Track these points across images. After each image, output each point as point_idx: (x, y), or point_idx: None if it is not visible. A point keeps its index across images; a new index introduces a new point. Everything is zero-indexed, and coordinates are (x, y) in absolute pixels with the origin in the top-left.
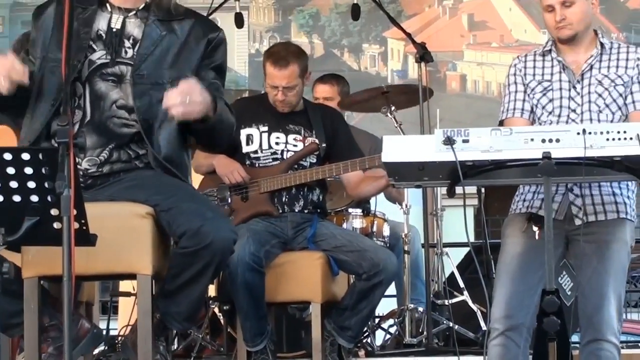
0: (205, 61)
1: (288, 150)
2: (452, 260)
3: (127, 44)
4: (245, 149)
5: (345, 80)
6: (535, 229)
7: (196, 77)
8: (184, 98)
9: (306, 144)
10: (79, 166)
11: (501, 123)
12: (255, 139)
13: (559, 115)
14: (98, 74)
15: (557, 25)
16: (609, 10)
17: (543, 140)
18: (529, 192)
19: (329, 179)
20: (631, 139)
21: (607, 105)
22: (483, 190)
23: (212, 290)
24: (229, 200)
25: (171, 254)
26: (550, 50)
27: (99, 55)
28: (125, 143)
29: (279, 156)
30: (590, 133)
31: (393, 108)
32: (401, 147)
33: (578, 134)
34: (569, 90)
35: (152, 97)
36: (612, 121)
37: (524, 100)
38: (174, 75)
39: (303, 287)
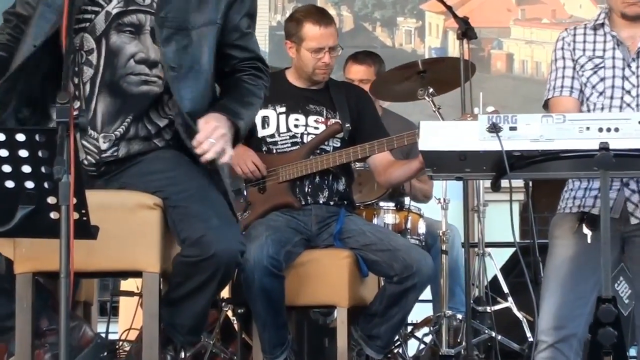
0: (236, 6)
1: (309, 134)
2: (495, 262)
3: None
4: (261, 132)
5: (381, 59)
6: (587, 230)
7: (229, 25)
8: (209, 144)
9: (328, 125)
10: (93, 146)
11: (546, 103)
12: (272, 121)
13: (612, 97)
14: (114, 25)
15: (626, 0)
16: None
17: (600, 129)
18: (579, 189)
19: (357, 168)
20: None
21: None
22: (531, 184)
23: (225, 292)
24: (245, 193)
25: (175, 260)
26: (602, 24)
27: (114, 4)
28: (144, 110)
29: (298, 140)
30: None
31: (431, 90)
32: (440, 134)
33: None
34: (623, 69)
35: (178, 44)
36: None
37: (573, 78)
38: (200, 22)
39: (328, 289)
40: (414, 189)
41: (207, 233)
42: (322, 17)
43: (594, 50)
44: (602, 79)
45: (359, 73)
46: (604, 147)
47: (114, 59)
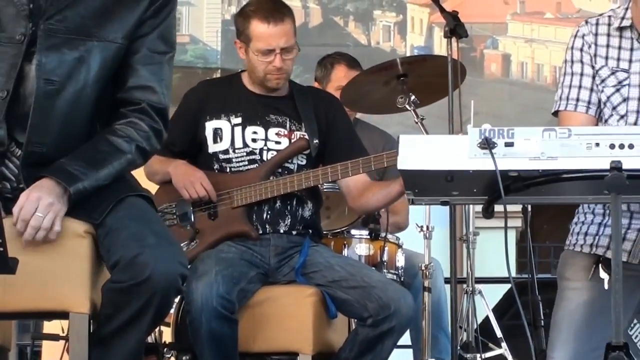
0: (149, 21)
1: (269, 150)
2: (486, 301)
3: None
4: (213, 147)
5: (358, 64)
6: (604, 274)
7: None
8: (37, 220)
9: (293, 141)
10: (6, 168)
11: (556, 115)
12: (226, 134)
13: (635, 124)
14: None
15: None
16: None
17: (612, 146)
18: (592, 224)
19: (325, 190)
20: None
21: None
22: (530, 208)
23: (167, 336)
24: (192, 219)
25: (103, 289)
26: (630, 27)
27: None
28: None
29: (257, 157)
30: None
31: (413, 97)
32: (423, 150)
33: None
34: None
35: (65, 55)
36: None
37: (591, 90)
38: (101, 35)
39: (289, 333)
40: (383, 221)
41: (143, 252)
42: (272, 12)
43: (618, 59)
44: (625, 100)
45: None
46: (616, 167)
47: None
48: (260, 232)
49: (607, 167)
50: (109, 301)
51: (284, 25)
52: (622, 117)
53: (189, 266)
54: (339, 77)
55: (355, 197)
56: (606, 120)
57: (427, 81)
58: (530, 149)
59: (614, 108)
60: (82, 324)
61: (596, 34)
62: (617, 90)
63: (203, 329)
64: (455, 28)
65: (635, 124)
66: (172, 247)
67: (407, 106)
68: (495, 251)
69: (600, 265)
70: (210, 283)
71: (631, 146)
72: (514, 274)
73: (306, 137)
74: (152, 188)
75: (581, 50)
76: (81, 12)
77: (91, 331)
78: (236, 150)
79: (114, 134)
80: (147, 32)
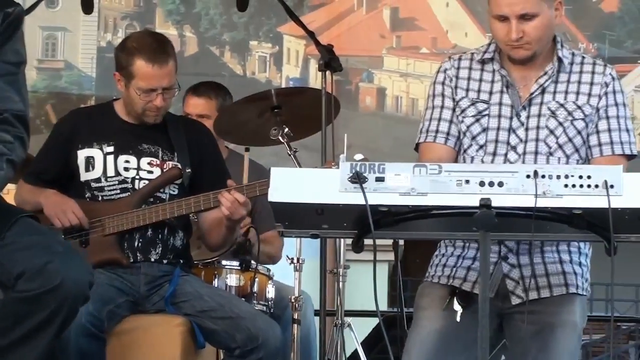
0: (1, 37)
1: (141, 179)
2: (355, 334)
3: None
4: (85, 176)
5: (227, 92)
6: (457, 307)
7: None
8: None
9: (165, 170)
10: None
11: (417, 147)
12: (98, 163)
13: (494, 154)
14: None
15: (510, 43)
16: (577, 12)
17: (482, 183)
18: (452, 256)
19: (195, 219)
20: (597, 186)
21: (560, 146)
22: (402, 242)
23: None
24: None
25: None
26: (492, 59)
27: None
28: None
29: (129, 185)
30: (544, 176)
31: (286, 130)
32: (294, 183)
33: (528, 176)
34: (511, 118)
35: None
36: None
37: (450, 122)
38: None
39: None
40: (255, 251)
41: (52, 260)
42: (158, 53)
43: (479, 91)
44: (485, 130)
45: (197, 107)
46: (485, 204)
47: None
48: (132, 260)
49: (477, 204)
50: (10, 313)
51: (167, 67)
52: (481, 147)
53: None
54: (186, 104)
55: (204, 234)
56: (465, 150)
57: (301, 113)
58: (400, 184)
59: (474, 138)
60: None
61: (458, 68)
62: (477, 120)
63: (71, 346)
64: (329, 62)
65: (494, 154)
66: (79, 255)
67: (280, 138)
68: (366, 284)
69: (455, 297)
70: None
71: (501, 184)
72: (385, 307)
73: (178, 166)
74: None
75: (443, 83)
76: None
77: None
78: (108, 179)
79: None
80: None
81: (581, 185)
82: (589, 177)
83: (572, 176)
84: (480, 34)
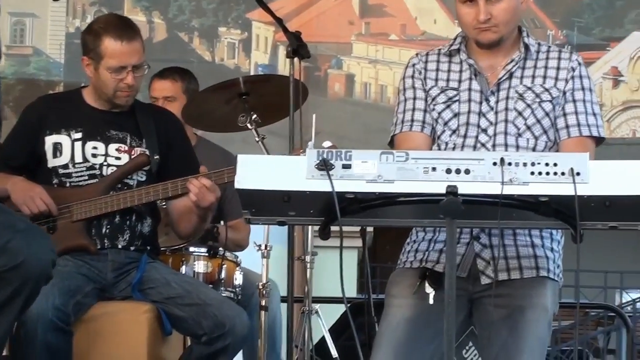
0: None
1: (109, 165)
2: (323, 321)
3: None
4: (52, 162)
5: (192, 75)
6: (429, 289)
7: None
8: None
9: (133, 156)
10: None
11: (392, 140)
12: (66, 149)
13: (465, 136)
14: None
15: (477, 26)
16: (546, 0)
17: (448, 171)
18: (423, 241)
19: (163, 206)
20: (563, 174)
21: (528, 127)
22: (372, 229)
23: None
24: None
25: None
26: (458, 50)
27: None
28: None
29: (96, 172)
30: (510, 164)
31: (254, 116)
32: (261, 170)
33: (494, 164)
34: (480, 103)
35: None
36: (534, 148)
37: (424, 111)
38: None
39: (123, 348)
40: (222, 238)
41: (14, 237)
42: (125, 30)
43: (448, 80)
44: (456, 115)
45: (163, 90)
46: (452, 192)
47: None
48: (99, 246)
49: (443, 191)
50: None
51: (135, 43)
52: (453, 131)
53: None
54: (152, 89)
55: (173, 222)
56: (439, 137)
57: (268, 100)
58: (367, 172)
59: (446, 123)
60: None
61: (426, 62)
62: (448, 106)
63: (38, 341)
64: (298, 48)
65: (465, 136)
66: (42, 233)
67: (248, 125)
68: (334, 270)
69: (426, 279)
70: (46, 295)
71: (467, 171)
72: (354, 294)
73: (147, 153)
74: None
75: (412, 77)
76: None
77: None
78: (76, 165)
79: None
80: None
81: (547, 173)
82: (555, 164)
83: (539, 163)
84: (449, 21)
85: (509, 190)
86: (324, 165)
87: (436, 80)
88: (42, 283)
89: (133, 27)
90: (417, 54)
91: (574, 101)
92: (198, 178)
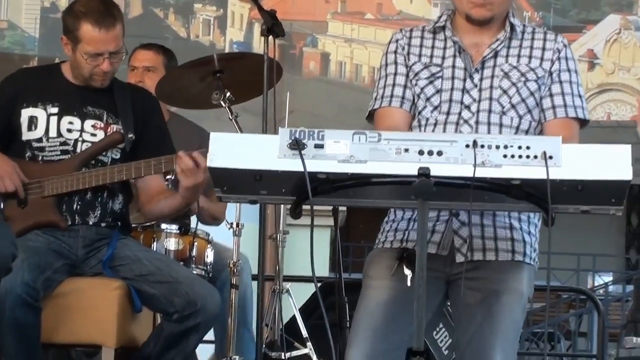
0: None
1: (84, 141)
2: (293, 300)
3: None
4: (26, 135)
5: (173, 55)
6: (407, 270)
7: None
8: None
9: (108, 133)
10: None
11: (371, 115)
12: (41, 123)
13: (448, 113)
14: None
15: (474, 0)
16: None
17: (421, 152)
18: (402, 220)
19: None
20: (535, 157)
21: (513, 106)
22: (345, 208)
23: None
24: (1, 206)
25: None
26: (443, 27)
27: None
28: None
29: (70, 148)
30: (483, 146)
31: (228, 94)
32: (233, 148)
33: (467, 146)
34: (464, 80)
35: None
36: (517, 128)
37: (405, 87)
38: None
39: (92, 325)
40: (201, 210)
41: None
42: (104, 16)
43: (431, 56)
44: (439, 91)
45: (145, 59)
46: (424, 173)
47: None
48: (70, 222)
49: (415, 173)
50: None
51: (114, 30)
52: (435, 107)
53: None
54: (133, 58)
55: (144, 202)
56: (420, 112)
57: (243, 79)
58: (339, 152)
59: (428, 99)
60: None
61: (410, 37)
62: (431, 82)
63: (6, 316)
64: (272, 27)
65: (448, 113)
66: (2, 225)
67: (222, 103)
68: (306, 249)
69: (404, 261)
70: (15, 270)
71: (440, 153)
72: (327, 273)
73: (122, 131)
74: None
75: (395, 52)
76: None
77: None
78: (50, 140)
79: None
80: None
81: (520, 156)
82: (528, 147)
83: (512, 146)
84: (425, 1)
85: (481, 172)
86: (296, 145)
87: (419, 56)
88: (1, 276)
89: (114, 12)
90: (400, 30)
91: (561, 82)
92: (183, 157)
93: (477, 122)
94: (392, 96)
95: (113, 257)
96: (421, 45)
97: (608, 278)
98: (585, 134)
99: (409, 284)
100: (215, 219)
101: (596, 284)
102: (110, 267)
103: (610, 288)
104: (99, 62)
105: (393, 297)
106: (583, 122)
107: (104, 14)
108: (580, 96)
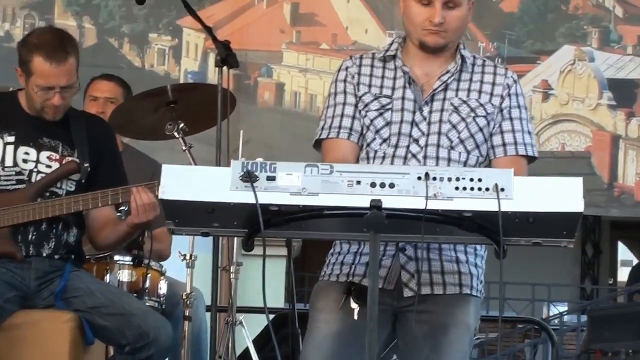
0: None
1: (39, 172)
2: (247, 331)
3: None
4: None
5: (130, 88)
6: (354, 304)
7: None
8: None
9: (63, 164)
10: None
11: (318, 144)
12: None
13: (396, 146)
14: None
15: (428, 27)
16: (477, 11)
17: (373, 184)
18: (348, 253)
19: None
20: (487, 189)
21: (461, 141)
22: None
23: None
24: None
25: None
26: (394, 56)
27: None
28: None
29: (25, 178)
30: (435, 178)
31: (182, 125)
32: (185, 180)
33: (419, 178)
34: (413, 112)
35: None
36: (465, 163)
37: (353, 118)
38: None
39: (44, 358)
40: (147, 248)
41: None
42: (57, 51)
43: (381, 87)
44: (389, 123)
45: (107, 91)
46: (376, 206)
47: None
48: (25, 254)
49: (367, 205)
50: None
51: (66, 65)
52: (384, 140)
53: None
54: (93, 88)
55: (93, 232)
56: (369, 144)
57: (196, 109)
58: (292, 184)
59: (377, 131)
60: None
61: (360, 66)
62: (380, 114)
63: None
64: (226, 57)
65: (396, 146)
66: None
67: (175, 134)
68: (260, 280)
69: (351, 295)
70: None
71: (392, 185)
72: (282, 304)
73: (77, 161)
74: None
75: (344, 81)
76: None
77: None
78: (5, 169)
79: None
80: None
81: (472, 188)
82: (479, 180)
83: (463, 179)
84: (380, 31)
85: (433, 205)
86: (248, 177)
87: (369, 86)
88: None
89: (67, 47)
90: (350, 57)
91: (511, 119)
92: (140, 193)
93: (425, 157)
94: (340, 127)
95: (66, 289)
96: (371, 75)
97: (563, 308)
98: (540, 165)
99: (355, 317)
100: (160, 257)
101: (551, 313)
102: (63, 299)
103: (566, 318)
104: (50, 96)
105: (340, 331)
106: (531, 159)
107: (57, 48)
108: (529, 132)
